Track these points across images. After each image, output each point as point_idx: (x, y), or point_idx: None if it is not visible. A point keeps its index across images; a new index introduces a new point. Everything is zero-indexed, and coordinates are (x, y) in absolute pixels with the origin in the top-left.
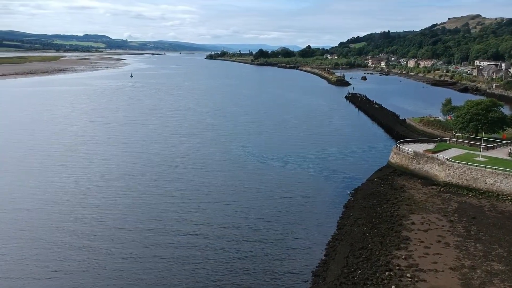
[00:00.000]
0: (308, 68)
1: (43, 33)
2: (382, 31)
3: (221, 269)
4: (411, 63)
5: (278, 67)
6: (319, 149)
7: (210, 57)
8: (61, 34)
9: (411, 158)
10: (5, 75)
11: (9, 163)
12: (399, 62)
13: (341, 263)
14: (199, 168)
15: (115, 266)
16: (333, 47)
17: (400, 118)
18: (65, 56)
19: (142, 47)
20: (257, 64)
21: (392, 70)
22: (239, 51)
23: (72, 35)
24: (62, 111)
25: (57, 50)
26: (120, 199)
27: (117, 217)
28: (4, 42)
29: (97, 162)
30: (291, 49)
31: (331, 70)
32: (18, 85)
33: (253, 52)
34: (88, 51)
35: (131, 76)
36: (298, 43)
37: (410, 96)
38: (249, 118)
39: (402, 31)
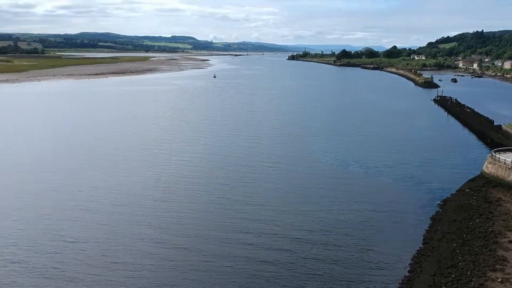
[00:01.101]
0: (393, 69)
1: (134, 35)
2: (475, 31)
3: (292, 286)
4: (507, 65)
5: (362, 68)
6: (404, 155)
7: (292, 57)
8: (151, 35)
9: (509, 168)
10: (99, 74)
11: (97, 160)
12: (494, 63)
13: (427, 281)
14: (274, 171)
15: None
16: (420, 48)
17: (495, 123)
18: (153, 57)
19: (226, 48)
20: (339, 65)
21: (486, 72)
22: (321, 51)
23: (160, 36)
24: (146, 109)
25: (147, 51)
26: (197, 199)
27: (194, 218)
28: (100, 43)
29: (177, 162)
30: (376, 49)
31: (418, 72)
32: (109, 84)
33: (336, 53)
34: (175, 51)
35: (214, 77)
36: (383, 43)
37: (506, 100)
38: (328, 120)
39: (497, 30)
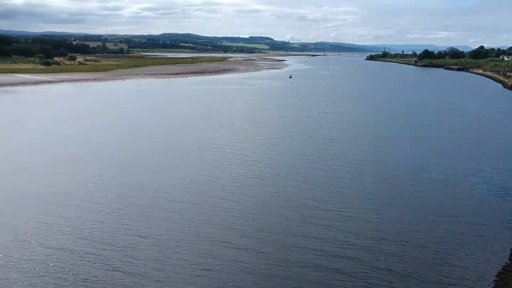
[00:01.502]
0: (480, 70)
1: (213, 36)
2: None
3: None
4: None
5: (445, 68)
6: (491, 163)
7: (370, 58)
8: (229, 36)
9: None
10: (179, 74)
11: (172, 157)
12: None
13: None
14: (347, 175)
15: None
16: (511, 48)
17: None
18: (231, 57)
19: (302, 49)
20: (421, 66)
21: None
22: (402, 51)
23: (239, 37)
24: (221, 109)
25: (225, 52)
26: (268, 201)
27: (265, 221)
28: (181, 44)
29: (249, 162)
30: (461, 49)
31: (507, 73)
32: (188, 83)
33: (417, 53)
34: (252, 52)
35: (290, 77)
36: (469, 43)
37: None
38: (408, 124)
39: None
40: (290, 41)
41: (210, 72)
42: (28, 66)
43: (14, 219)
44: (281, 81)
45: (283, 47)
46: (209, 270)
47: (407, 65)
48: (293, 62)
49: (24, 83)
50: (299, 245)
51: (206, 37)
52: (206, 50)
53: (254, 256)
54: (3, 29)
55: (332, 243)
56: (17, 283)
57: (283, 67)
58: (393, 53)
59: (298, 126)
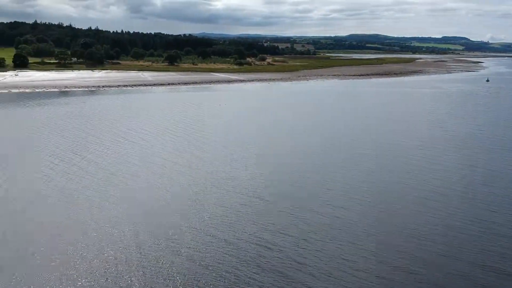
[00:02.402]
0: None
1: (402, 36)
2: None
3: None
4: None
5: None
6: None
7: None
8: (419, 36)
9: None
10: (362, 75)
11: (351, 157)
12: None
13: None
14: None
15: None
16: None
17: None
18: (420, 58)
19: (505, 49)
20: None
21: None
22: None
23: (430, 37)
24: (404, 112)
25: (413, 52)
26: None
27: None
28: (367, 45)
29: (431, 170)
30: None
31: None
32: (370, 85)
33: None
34: (444, 53)
35: (487, 81)
36: None
37: None
38: None
39: None
40: (490, 41)
41: (396, 73)
42: (224, 66)
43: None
44: (476, 85)
45: (481, 48)
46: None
47: None
48: (492, 65)
49: (219, 82)
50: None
51: (394, 37)
52: (393, 51)
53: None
54: (206, 32)
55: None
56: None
57: (479, 69)
58: None
59: (494, 136)
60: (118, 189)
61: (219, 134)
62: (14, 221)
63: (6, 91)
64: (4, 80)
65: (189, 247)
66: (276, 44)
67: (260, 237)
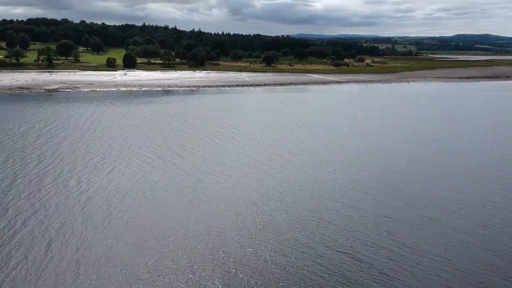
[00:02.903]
0: None
1: None
2: None
3: None
4: None
5: None
6: None
7: None
8: None
9: None
10: (469, 78)
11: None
12: None
13: None
14: None
15: None
16: None
17: None
18: None
19: None
20: None
21: None
22: None
23: None
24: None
25: None
26: None
27: None
28: (476, 46)
29: None
30: None
31: None
32: (478, 88)
33: None
34: None
35: None
36: None
37: None
38: None
39: None
40: None
41: (509, 76)
42: (320, 67)
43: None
44: None
45: None
46: None
47: None
48: None
49: (315, 83)
50: None
51: (507, 37)
52: (506, 52)
53: None
54: (304, 33)
55: None
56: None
57: None
58: None
59: None
60: (208, 187)
61: (313, 136)
62: (108, 215)
63: (116, 89)
64: (114, 79)
65: (272, 250)
66: (376, 45)
67: (347, 246)
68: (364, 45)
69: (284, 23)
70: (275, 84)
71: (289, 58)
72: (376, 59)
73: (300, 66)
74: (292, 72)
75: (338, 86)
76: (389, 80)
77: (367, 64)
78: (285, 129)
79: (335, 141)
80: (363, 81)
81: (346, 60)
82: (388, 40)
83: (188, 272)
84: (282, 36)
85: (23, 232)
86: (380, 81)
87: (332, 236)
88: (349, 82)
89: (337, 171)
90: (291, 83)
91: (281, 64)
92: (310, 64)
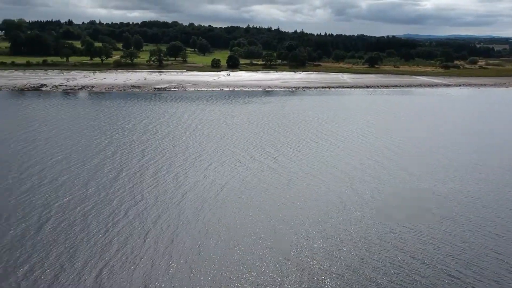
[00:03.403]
0: None
1: None
2: None
3: None
4: None
5: None
6: None
7: None
8: None
9: None
10: None
11: None
12: None
13: None
14: None
15: None
16: None
17: None
18: None
19: None
20: None
21: None
22: None
23: None
24: None
25: None
26: None
27: None
28: None
29: None
30: None
31: None
32: None
33: None
34: None
35: None
36: None
37: None
38: None
39: None
40: None
41: None
42: (428, 68)
43: None
44: None
45: None
46: None
47: None
48: None
49: (421, 85)
50: None
51: None
52: None
53: None
54: (411, 33)
55: None
56: None
57: None
58: None
59: None
60: (300, 190)
61: (414, 142)
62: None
63: (219, 89)
64: (218, 79)
65: (360, 260)
66: (491, 46)
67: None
68: (478, 46)
69: (390, 23)
70: (377, 86)
71: (394, 59)
72: (491, 61)
73: (405, 68)
74: (397, 73)
75: (447, 89)
76: (505, 84)
77: (481, 67)
78: (384, 133)
79: (445, 152)
80: (475, 85)
81: (456, 62)
82: (505, 40)
83: (273, 273)
84: (388, 36)
85: (124, 222)
86: (494, 85)
87: (428, 251)
88: (459, 85)
89: (441, 181)
90: (395, 85)
91: (385, 65)
92: (417, 65)
